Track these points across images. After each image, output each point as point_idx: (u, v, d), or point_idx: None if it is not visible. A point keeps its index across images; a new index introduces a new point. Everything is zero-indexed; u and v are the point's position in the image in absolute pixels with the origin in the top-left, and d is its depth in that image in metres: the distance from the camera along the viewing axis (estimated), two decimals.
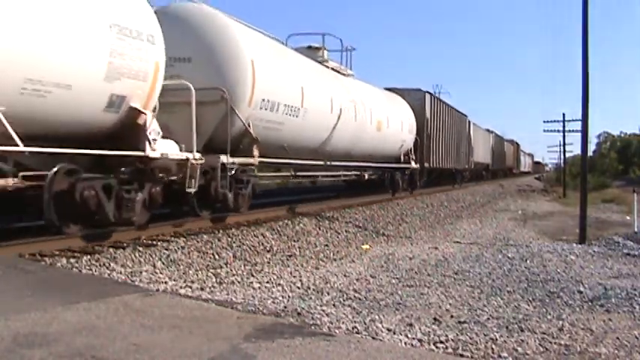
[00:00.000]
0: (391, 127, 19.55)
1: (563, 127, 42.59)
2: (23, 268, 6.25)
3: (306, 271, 8.88)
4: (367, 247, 12.13)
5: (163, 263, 8.24)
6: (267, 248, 10.46)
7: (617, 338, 5.63)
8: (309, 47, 16.41)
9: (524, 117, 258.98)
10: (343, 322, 5.70)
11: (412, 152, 22.69)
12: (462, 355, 4.91)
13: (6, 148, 6.51)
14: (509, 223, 20.04)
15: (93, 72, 7.46)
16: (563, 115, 42.64)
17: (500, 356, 4.94)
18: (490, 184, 45.36)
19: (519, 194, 39.92)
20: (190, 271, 8.08)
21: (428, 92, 24.76)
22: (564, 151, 50.18)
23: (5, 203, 7.54)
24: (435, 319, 6.12)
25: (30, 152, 6.88)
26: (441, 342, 5.23)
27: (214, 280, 7.78)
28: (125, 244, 8.74)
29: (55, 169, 7.36)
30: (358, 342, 4.46)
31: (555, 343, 5.40)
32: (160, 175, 9.09)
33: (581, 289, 7.93)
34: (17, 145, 6.55)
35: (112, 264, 7.71)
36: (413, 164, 22.74)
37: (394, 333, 5.46)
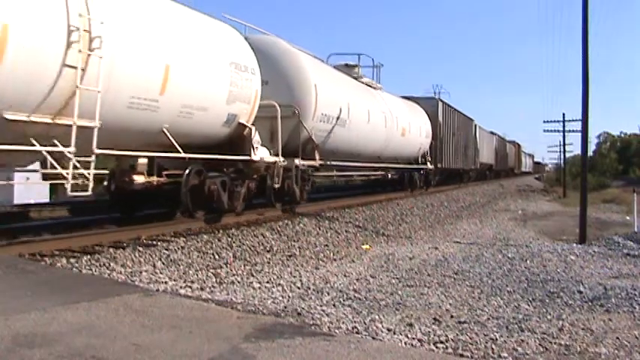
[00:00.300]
0: (412, 132, 22.57)
1: (563, 127, 42.56)
2: (23, 268, 6.25)
3: (306, 271, 8.88)
4: (367, 247, 12.13)
5: (163, 263, 8.25)
6: (267, 248, 10.46)
7: (617, 338, 5.63)
8: (347, 65, 19.28)
9: (524, 117, 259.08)
10: (343, 322, 5.70)
11: (428, 154, 25.57)
12: (462, 355, 4.91)
13: (171, 155, 9.45)
14: (509, 223, 20.03)
15: (220, 98, 10.36)
16: (563, 115, 42.62)
17: (500, 356, 4.94)
18: (490, 184, 45.39)
19: (519, 194, 39.91)
20: (190, 271, 8.08)
21: (440, 100, 28.45)
22: (564, 151, 50.21)
23: (144, 196, 10.33)
24: (435, 319, 6.12)
25: (189, 158, 9.80)
26: (441, 342, 5.23)
27: (214, 280, 7.78)
28: (125, 244, 8.75)
29: (188, 170, 10.11)
30: (358, 342, 4.46)
31: (555, 343, 5.39)
32: (254, 174, 12.07)
33: (581, 289, 7.93)
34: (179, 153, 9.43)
35: (112, 264, 7.71)
36: (429, 165, 25.74)
37: (394, 333, 5.46)
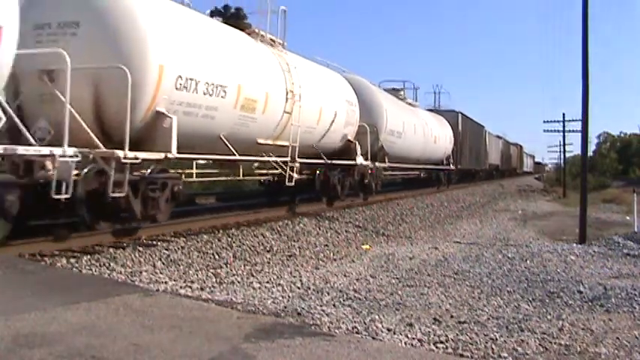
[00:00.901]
0: (440, 140, 28.19)
1: (563, 127, 42.51)
2: (23, 268, 6.26)
3: (306, 271, 8.88)
4: (367, 247, 12.13)
5: (163, 263, 8.25)
6: (267, 248, 10.46)
7: (617, 338, 5.63)
8: (394, 89, 25.14)
9: (524, 117, 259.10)
10: (343, 322, 5.70)
11: (450, 157, 30.98)
12: (462, 355, 4.91)
13: (316, 161, 14.92)
14: (509, 223, 20.03)
15: (340, 124, 15.65)
16: (563, 115, 42.54)
17: (500, 356, 4.94)
18: (490, 183, 45.44)
19: (519, 194, 39.90)
20: (190, 271, 8.08)
21: (460, 113, 34.09)
22: (564, 151, 50.18)
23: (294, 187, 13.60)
24: (435, 319, 6.12)
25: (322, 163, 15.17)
26: (441, 342, 5.23)
27: (214, 280, 7.78)
28: (125, 244, 8.75)
29: (319, 170, 15.42)
30: (358, 342, 4.47)
31: (555, 343, 5.40)
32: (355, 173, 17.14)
33: (581, 289, 7.93)
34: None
35: (112, 264, 7.72)
36: (451, 166, 31.27)
37: (394, 333, 5.46)
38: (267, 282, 7.89)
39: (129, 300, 4.99)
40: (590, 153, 39.97)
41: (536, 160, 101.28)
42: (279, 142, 12.58)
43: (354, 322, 5.78)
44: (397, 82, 26.91)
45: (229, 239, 10.34)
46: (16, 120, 7.29)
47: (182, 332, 4.14)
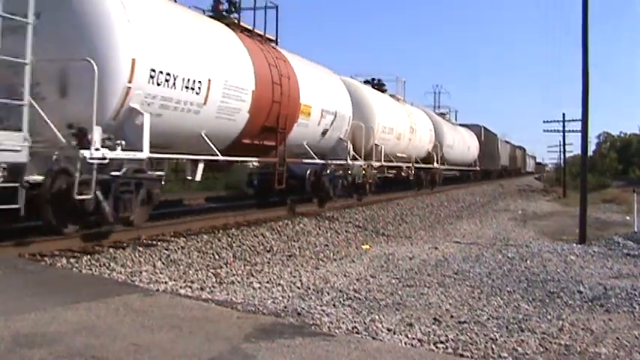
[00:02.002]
0: (472, 148, 37.77)
1: (563, 127, 42.51)
2: (23, 268, 6.26)
3: (306, 271, 8.88)
4: (367, 247, 12.13)
5: (163, 263, 8.25)
6: (267, 248, 10.46)
7: (617, 338, 5.63)
8: (442, 114, 34.18)
9: (524, 117, 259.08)
10: (343, 322, 5.70)
11: (477, 161, 40.12)
12: (462, 355, 4.91)
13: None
14: (509, 223, 20.03)
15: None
16: (563, 115, 42.57)
17: (500, 356, 4.94)
18: (490, 183, 45.49)
19: (519, 194, 39.90)
20: (190, 271, 8.08)
21: (483, 126, 44.28)
22: (564, 151, 50.22)
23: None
24: (435, 319, 6.11)
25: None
26: (441, 342, 5.23)
27: (214, 280, 7.78)
28: (125, 244, 8.75)
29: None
30: (358, 342, 4.47)
31: (555, 343, 5.39)
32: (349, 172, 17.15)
33: (581, 289, 7.93)
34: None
35: (112, 264, 7.71)
36: (477, 167, 40.67)
37: (394, 333, 5.46)
38: (267, 282, 7.89)
39: (129, 300, 4.99)
40: (590, 153, 40.11)
41: (537, 160, 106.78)
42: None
43: (354, 322, 5.78)
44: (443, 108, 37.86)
45: (229, 239, 10.34)
46: None
47: (182, 332, 4.14)
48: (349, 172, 16.72)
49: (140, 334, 4.04)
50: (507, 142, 61.54)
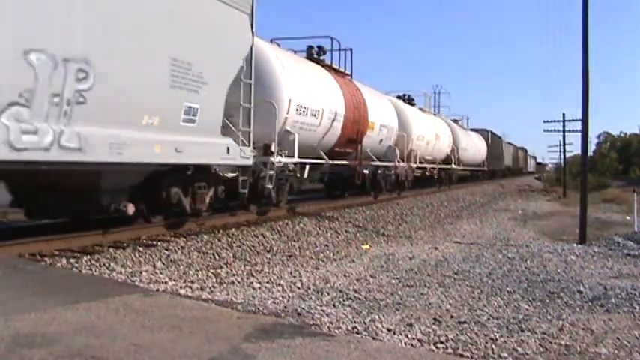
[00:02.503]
0: (481, 151, 42.13)
1: (563, 127, 42.58)
2: (23, 268, 6.25)
3: (306, 271, 8.88)
4: (367, 247, 12.13)
5: (163, 263, 8.25)
6: (267, 248, 10.46)
7: (617, 338, 5.63)
8: (455, 120, 37.89)
9: (524, 117, 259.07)
10: (343, 322, 5.70)
11: (485, 162, 44.55)
12: (462, 355, 4.90)
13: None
14: (509, 223, 20.04)
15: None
16: (563, 115, 42.67)
17: (500, 356, 4.94)
18: (490, 183, 45.53)
19: (519, 194, 39.92)
20: (190, 271, 8.07)
21: (490, 131, 49.64)
22: (564, 151, 50.28)
23: None
24: (435, 319, 6.11)
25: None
26: (441, 342, 5.23)
27: (214, 280, 7.78)
28: (125, 244, 8.75)
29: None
30: (358, 342, 4.46)
31: (555, 343, 5.39)
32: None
33: (581, 289, 7.93)
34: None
35: (112, 264, 7.71)
36: (485, 168, 45.20)
37: (394, 333, 5.46)
38: (267, 282, 7.89)
39: (129, 300, 4.99)
40: (590, 153, 40.21)
41: (538, 161, 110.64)
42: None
43: (354, 322, 5.78)
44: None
45: (229, 239, 10.33)
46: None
47: (182, 332, 4.14)
48: (395, 171, 21.17)
49: (140, 334, 4.04)
50: (510, 144, 66.06)
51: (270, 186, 12.13)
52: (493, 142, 49.40)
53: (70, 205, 8.41)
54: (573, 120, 39.19)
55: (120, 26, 7.36)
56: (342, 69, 17.79)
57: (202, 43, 8.90)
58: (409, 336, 5.39)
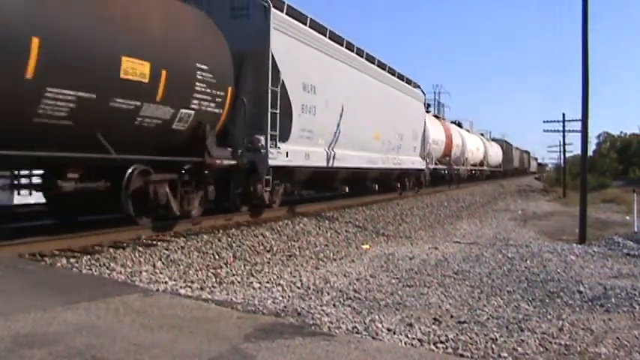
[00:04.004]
0: (499, 155, 54.12)
1: (563, 127, 42.66)
2: (23, 268, 6.25)
3: (306, 271, 8.88)
4: (367, 247, 12.13)
5: (163, 263, 8.24)
6: (267, 248, 10.45)
7: (617, 338, 5.63)
8: (482, 134, 51.83)
9: (524, 116, 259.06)
10: (343, 322, 5.70)
11: (500, 164, 55.55)
12: (462, 355, 4.90)
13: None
14: (509, 223, 20.04)
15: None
16: (563, 115, 42.81)
17: (500, 356, 4.94)
18: (490, 183, 45.57)
19: (519, 194, 39.93)
20: (190, 271, 8.07)
21: (505, 140, 62.82)
22: (564, 151, 50.33)
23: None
24: (435, 319, 6.11)
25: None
26: (441, 342, 5.23)
27: (214, 280, 7.78)
28: (125, 244, 8.75)
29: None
30: (358, 342, 4.47)
31: (555, 343, 5.39)
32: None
33: (581, 289, 7.93)
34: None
35: (112, 264, 7.70)
36: (501, 168, 56.11)
37: (394, 333, 5.46)
38: (267, 282, 7.89)
39: (129, 300, 4.99)
40: (590, 153, 40.30)
41: (539, 161, 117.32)
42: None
43: (354, 322, 5.78)
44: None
45: (229, 239, 10.33)
46: None
47: (182, 332, 4.14)
48: (460, 171, 34.69)
49: (140, 334, 4.04)
50: (517, 149, 77.91)
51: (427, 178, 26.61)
52: (506, 148, 62.57)
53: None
54: (573, 120, 39.30)
55: (387, 110, 19.32)
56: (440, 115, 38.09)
57: (410, 118, 22.61)
58: (409, 336, 5.39)
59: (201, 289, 7.16)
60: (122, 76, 7.77)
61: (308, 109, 12.97)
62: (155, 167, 9.14)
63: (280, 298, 6.88)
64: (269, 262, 9.39)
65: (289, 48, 12.05)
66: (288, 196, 13.95)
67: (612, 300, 7.29)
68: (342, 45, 15.29)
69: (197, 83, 9.33)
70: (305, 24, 13.04)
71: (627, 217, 20.57)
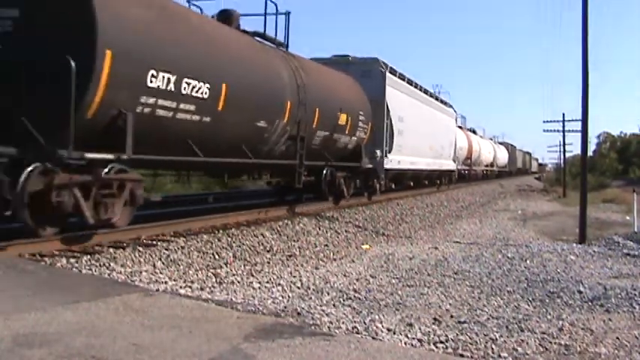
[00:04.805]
0: (505, 157, 61.85)
1: (563, 127, 42.61)
2: (23, 268, 6.25)
3: (306, 271, 8.88)
4: (367, 246, 12.13)
5: (163, 263, 8.24)
6: (267, 248, 10.46)
7: (617, 338, 5.63)
8: (491, 138, 60.21)
9: (524, 116, 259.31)
10: (343, 322, 5.70)
11: (507, 165, 62.46)
12: (462, 355, 4.91)
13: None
14: (509, 222, 20.03)
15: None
16: (563, 115, 42.75)
17: (500, 356, 4.94)
18: (490, 183, 45.60)
19: (519, 194, 39.92)
20: (190, 271, 8.07)
21: (511, 144, 70.01)
22: (564, 151, 50.33)
23: None
24: (434, 319, 6.12)
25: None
26: (441, 342, 5.23)
27: (214, 280, 7.78)
28: (125, 244, 8.75)
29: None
30: (358, 342, 4.47)
31: (555, 343, 5.40)
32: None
33: (581, 289, 7.93)
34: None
35: (112, 264, 7.71)
36: (507, 169, 63.45)
37: (394, 333, 5.46)
38: (267, 282, 7.89)
39: (129, 300, 4.99)
40: (590, 153, 40.37)
41: (540, 162, 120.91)
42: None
43: (354, 322, 5.78)
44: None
45: (229, 239, 10.33)
46: None
47: (182, 332, 4.14)
48: (477, 171, 39.47)
49: (140, 334, 4.04)
50: (520, 151, 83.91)
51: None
52: (511, 151, 69.73)
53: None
54: (573, 120, 39.29)
55: (435, 127, 26.63)
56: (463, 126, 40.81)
57: (447, 131, 30.20)
58: (409, 336, 5.39)
59: (201, 289, 7.17)
60: (339, 122, 14.93)
61: (400, 132, 20.07)
62: (337, 169, 15.60)
63: (280, 298, 6.88)
64: (269, 262, 9.39)
65: (393, 95, 19.47)
66: (386, 188, 20.37)
67: (612, 300, 7.29)
68: (410, 84, 22.80)
69: (359, 122, 16.13)
70: (395, 75, 20.54)
71: (627, 217, 20.56)
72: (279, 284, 7.75)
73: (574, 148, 52.73)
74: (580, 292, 7.76)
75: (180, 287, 7.09)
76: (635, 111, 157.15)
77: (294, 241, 11.50)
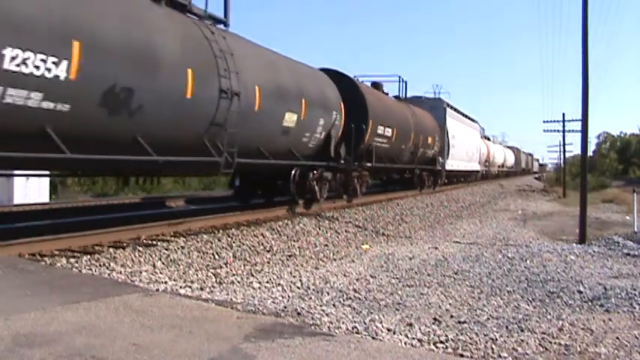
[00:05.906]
0: (512, 159, 69.98)
1: (563, 127, 42.64)
2: (23, 268, 6.24)
3: (306, 271, 8.88)
4: (367, 246, 12.13)
5: (163, 263, 8.24)
6: (267, 248, 10.45)
7: (617, 338, 5.63)
8: (487, 138, 56.27)
9: (524, 117, 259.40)
10: (343, 322, 5.70)
11: (514, 165, 70.74)
12: (462, 355, 4.91)
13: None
14: (509, 223, 20.03)
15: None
16: (563, 115, 42.92)
17: (500, 356, 4.94)
18: (490, 183, 45.60)
19: (519, 194, 39.92)
20: (190, 271, 8.07)
21: (517, 147, 79.97)
22: (564, 151, 50.37)
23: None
24: (434, 319, 6.12)
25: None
26: (441, 342, 5.24)
27: (214, 280, 7.78)
28: (125, 244, 8.75)
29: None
30: (358, 342, 4.46)
31: (555, 343, 5.40)
32: None
33: (581, 289, 7.93)
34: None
35: (112, 264, 7.71)
36: (513, 169, 71.95)
37: (394, 333, 5.46)
38: (267, 282, 7.89)
39: (129, 300, 4.99)
40: (590, 153, 40.45)
41: (540, 162, 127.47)
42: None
43: (354, 322, 5.78)
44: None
45: (229, 239, 10.33)
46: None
47: (182, 332, 4.14)
48: (492, 171, 48.72)
49: (140, 334, 4.04)
50: (524, 153, 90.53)
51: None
52: (517, 153, 76.37)
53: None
54: (573, 120, 39.33)
55: (467, 139, 36.11)
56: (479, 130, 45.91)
57: (475, 141, 40.18)
58: (409, 336, 5.39)
59: (201, 289, 7.17)
60: (428, 142, 24.85)
61: (452, 145, 29.97)
62: (421, 170, 23.71)
63: (280, 298, 6.88)
64: (269, 262, 9.39)
65: (449, 122, 29.50)
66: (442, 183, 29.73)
67: (612, 300, 7.29)
68: (456, 111, 33.12)
69: (436, 141, 25.65)
70: (449, 107, 30.80)
71: (627, 217, 20.56)
72: (279, 284, 7.75)
73: (574, 148, 53.00)
74: (580, 292, 7.76)
75: (180, 287, 7.09)
76: (635, 111, 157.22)
77: (294, 241, 11.50)
